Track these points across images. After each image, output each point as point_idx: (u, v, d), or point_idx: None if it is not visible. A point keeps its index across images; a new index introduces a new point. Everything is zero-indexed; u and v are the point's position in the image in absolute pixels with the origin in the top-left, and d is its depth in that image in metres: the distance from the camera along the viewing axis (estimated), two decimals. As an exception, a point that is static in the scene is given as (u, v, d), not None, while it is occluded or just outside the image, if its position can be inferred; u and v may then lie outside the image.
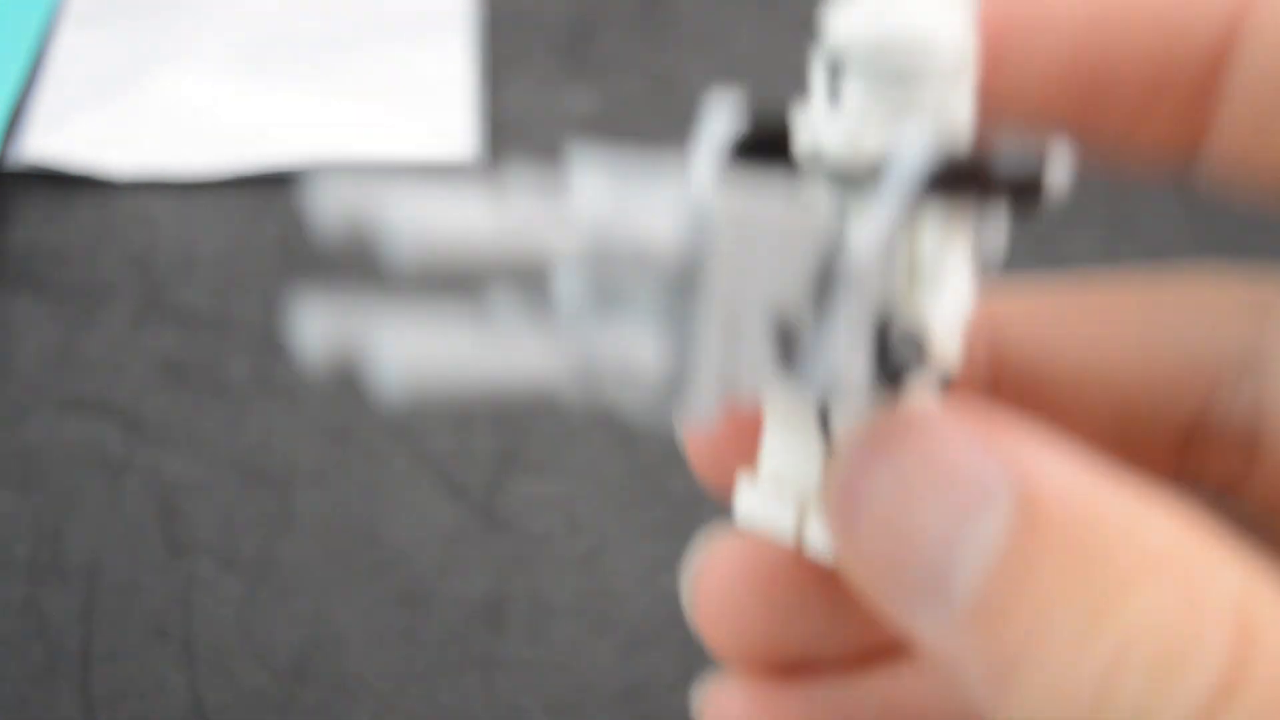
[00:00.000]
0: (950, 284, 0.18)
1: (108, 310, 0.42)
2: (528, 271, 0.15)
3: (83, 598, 0.34)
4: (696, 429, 0.21)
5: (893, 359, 0.17)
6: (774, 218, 0.16)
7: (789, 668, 0.21)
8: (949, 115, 0.18)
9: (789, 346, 0.17)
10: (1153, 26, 0.19)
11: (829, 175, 0.18)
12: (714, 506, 0.32)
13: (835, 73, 0.18)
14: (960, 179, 0.17)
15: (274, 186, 0.47)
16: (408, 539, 0.36)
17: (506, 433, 0.39)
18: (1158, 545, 0.15)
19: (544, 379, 0.14)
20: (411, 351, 0.13)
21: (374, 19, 0.53)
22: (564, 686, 0.33)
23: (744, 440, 0.20)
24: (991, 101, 0.19)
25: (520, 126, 0.50)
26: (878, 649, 0.21)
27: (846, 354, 0.17)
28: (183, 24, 0.52)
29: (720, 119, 0.18)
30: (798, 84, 0.54)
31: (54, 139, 0.47)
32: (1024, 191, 0.17)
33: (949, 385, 0.18)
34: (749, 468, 0.20)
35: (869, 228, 0.17)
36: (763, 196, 0.16)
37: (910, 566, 0.17)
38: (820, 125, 0.18)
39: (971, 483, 0.16)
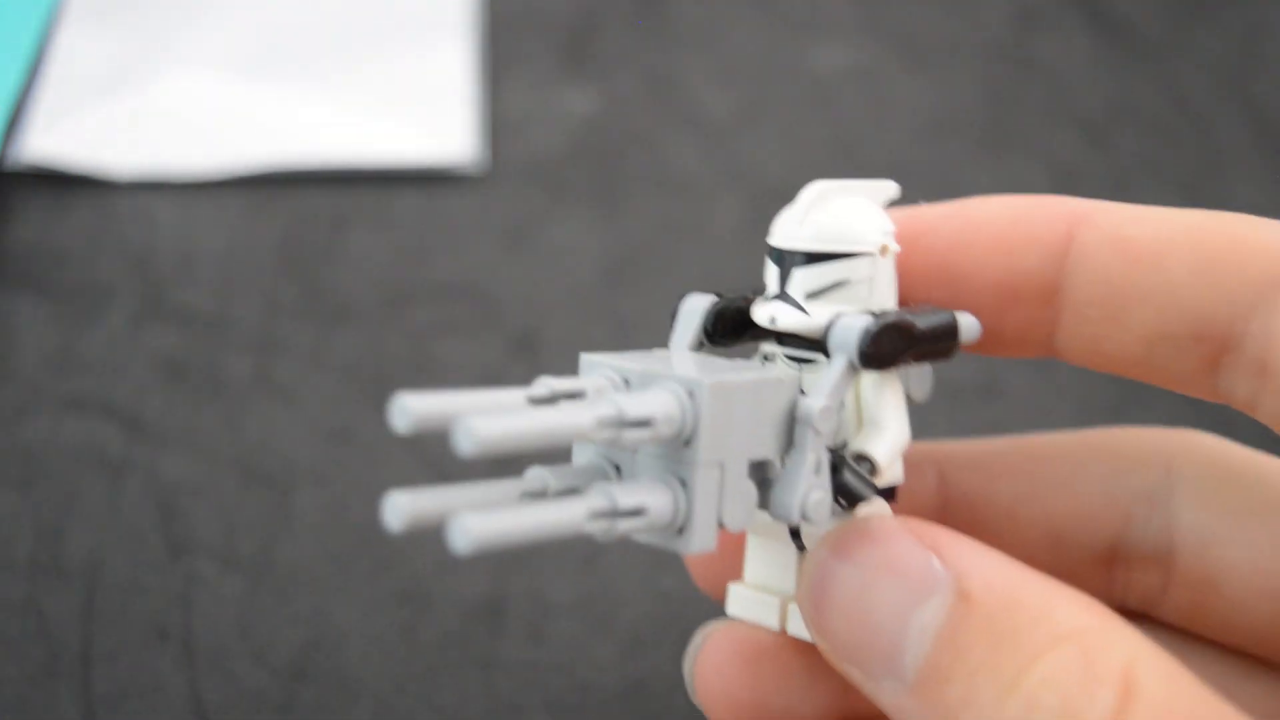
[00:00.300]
0: (889, 421, 0.23)
1: (108, 310, 0.42)
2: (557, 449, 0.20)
3: (83, 598, 0.34)
4: (699, 555, 0.26)
5: (848, 482, 0.22)
6: (747, 388, 0.21)
7: None
8: (877, 296, 0.23)
9: (765, 484, 0.22)
10: (996, 248, 0.25)
11: (786, 347, 0.24)
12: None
13: (784, 266, 0.23)
14: (887, 350, 0.22)
15: (274, 186, 0.47)
16: (408, 539, 0.36)
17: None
18: (1063, 623, 0.20)
19: (575, 529, 0.20)
20: (481, 526, 0.18)
21: (374, 19, 0.53)
22: (564, 686, 0.33)
23: (732, 555, 0.26)
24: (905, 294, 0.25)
25: (520, 126, 0.50)
26: (849, 714, 0.26)
27: (808, 487, 0.22)
28: (182, 24, 0.52)
29: (692, 316, 0.24)
30: (795, 84, 0.55)
31: (54, 139, 0.47)
32: (941, 344, 0.23)
33: (894, 501, 0.24)
34: (735, 579, 0.25)
35: (819, 391, 0.22)
36: (735, 373, 0.22)
37: (870, 646, 0.21)
38: (774, 309, 0.23)
39: (918, 577, 0.21)
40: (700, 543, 0.21)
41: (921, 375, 0.25)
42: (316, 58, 0.51)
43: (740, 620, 0.25)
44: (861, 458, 0.23)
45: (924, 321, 0.23)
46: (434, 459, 0.38)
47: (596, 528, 0.20)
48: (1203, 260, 0.23)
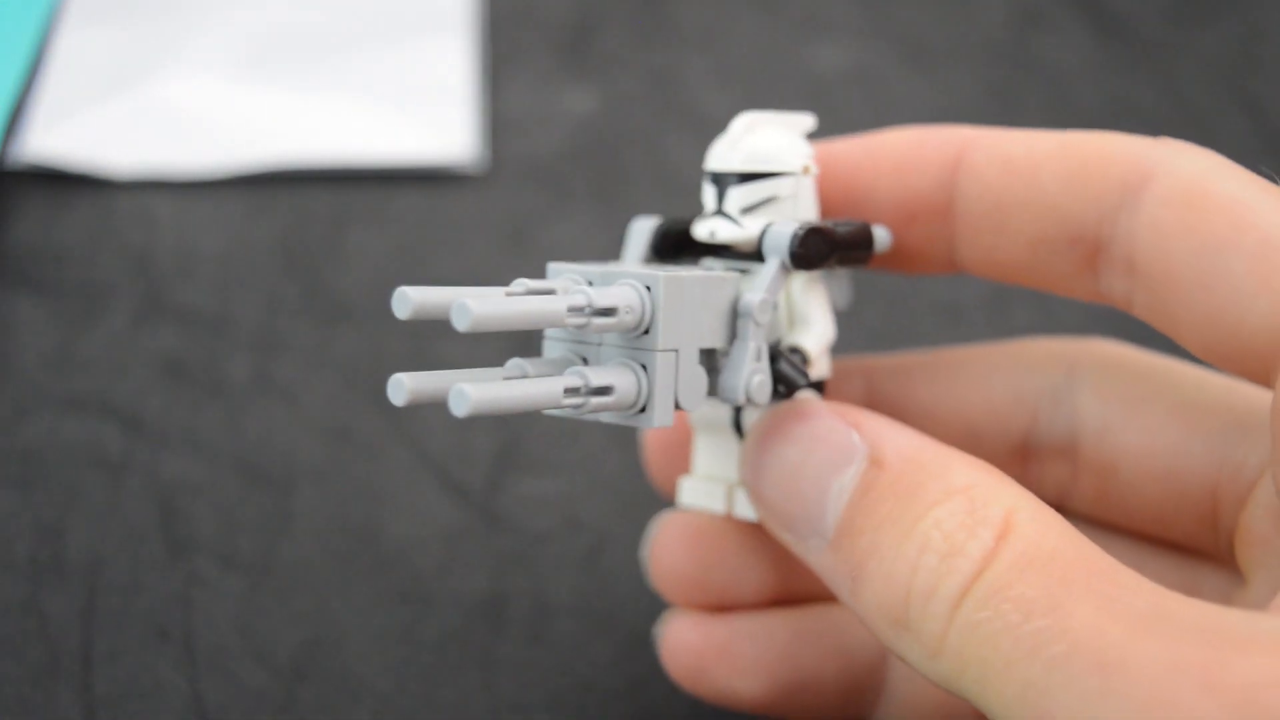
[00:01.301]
0: (816, 318, 0.27)
1: (108, 310, 0.42)
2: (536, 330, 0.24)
3: (83, 598, 0.34)
4: (658, 434, 0.31)
5: (784, 370, 0.26)
6: (696, 282, 0.25)
7: (720, 605, 0.30)
8: (801, 210, 0.27)
9: (713, 372, 0.25)
10: (893, 171, 0.27)
11: (725, 259, 0.27)
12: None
13: (720, 186, 0.27)
14: (813, 251, 0.26)
15: (274, 186, 0.47)
16: (408, 539, 0.36)
17: (506, 432, 0.39)
18: (956, 480, 0.23)
19: (554, 402, 0.23)
20: (477, 393, 0.21)
21: (374, 19, 0.53)
22: (564, 686, 0.33)
23: (681, 453, 0.30)
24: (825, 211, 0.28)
25: (520, 126, 0.50)
26: (788, 594, 0.30)
27: (750, 371, 0.25)
28: (182, 24, 0.52)
29: (640, 235, 0.28)
30: (795, 84, 0.55)
31: (54, 138, 0.47)
32: (859, 250, 0.27)
33: (823, 394, 0.27)
34: (684, 473, 0.29)
35: (756, 288, 0.25)
36: (685, 271, 0.25)
37: (799, 510, 0.25)
38: (713, 224, 0.27)
39: (840, 448, 0.25)
40: (660, 419, 0.24)
41: (841, 285, 0.28)
42: (316, 57, 0.51)
43: (690, 509, 0.29)
44: (794, 350, 0.26)
45: (843, 229, 0.26)
46: (434, 459, 0.38)
47: (571, 403, 0.23)
48: (1072, 170, 0.26)
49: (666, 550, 0.30)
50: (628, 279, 0.24)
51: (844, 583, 0.24)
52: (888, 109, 0.51)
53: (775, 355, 0.26)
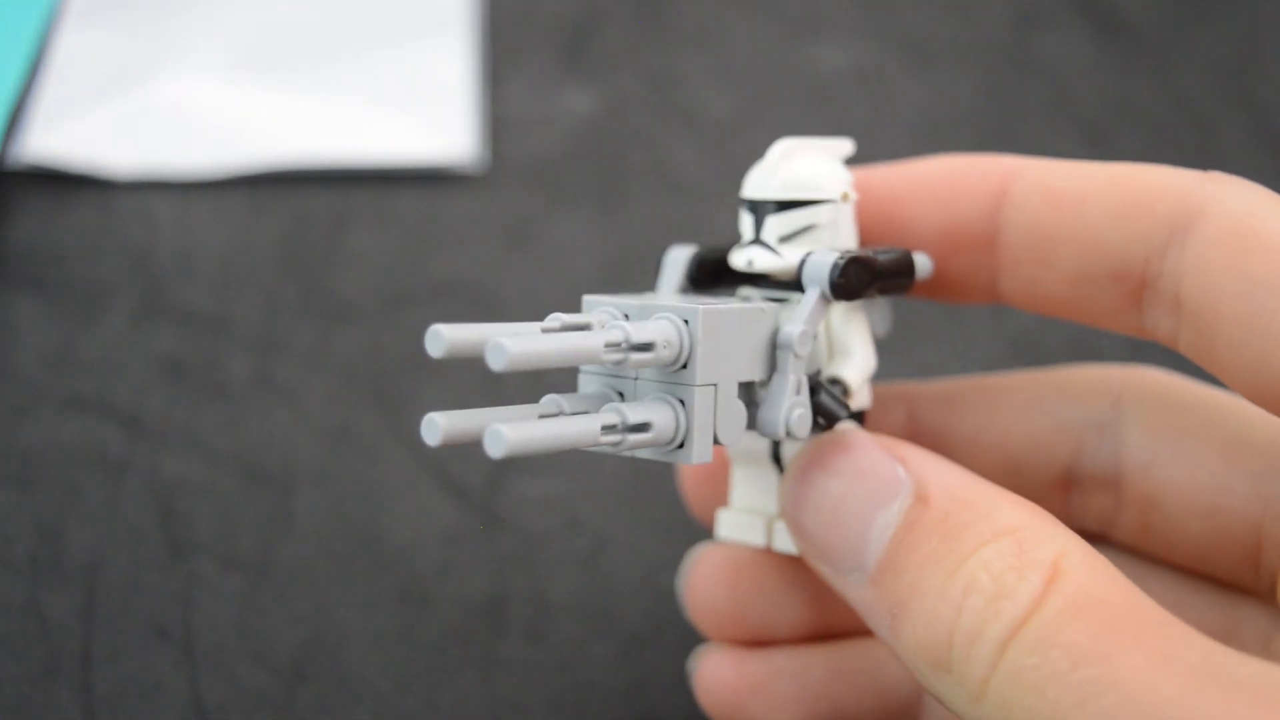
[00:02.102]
0: (856, 349, 0.26)
1: (108, 310, 0.42)
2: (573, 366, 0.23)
3: (83, 597, 0.34)
4: (697, 470, 0.30)
5: (825, 402, 0.25)
6: (735, 315, 0.24)
7: (756, 640, 0.29)
8: (841, 237, 0.26)
9: (752, 406, 0.25)
10: (936, 201, 0.27)
11: (761, 288, 0.27)
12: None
13: (757, 214, 0.26)
14: (854, 281, 0.25)
15: (274, 186, 0.47)
16: (408, 539, 0.36)
17: (506, 432, 0.39)
18: (1004, 520, 0.23)
19: (591, 440, 0.23)
20: (513, 433, 0.21)
21: (374, 19, 0.53)
22: (564, 686, 0.33)
23: (719, 484, 0.29)
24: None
25: (520, 126, 0.50)
26: (824, 630, 0.29)
27: (790, 405, 0.24)
28: (182, 24, 0.52)
29: (676, 263, 0.27)
30: (795, 84, 0.55)
31: (54, 139, 0.47)
32: (901, 278, 0.26)
33: (864, 425, 0.27)
34: (722, 505, 0.28)
35: (796, 320, 0.25)
36: (723, 304, 0.24)
37: (840, 544, 0.24)
38: (750, 253, 0.26)
39: (884, 482, 0.24)
40: (699, 455, 0.24)
41: (882, 313, 0.28)
42: (316, 57, 0.51)
43: (728, 542, 0.28)
44: (834, 381, 0.26)
45: (884, 257, 0.26)
46: (434, 459, 0.38)
47: (609, 441, 0.23)
48: (1118, 205, 0.25)
49: (704, 585, 0.29)
50: (665, 313, 0.24)
51: (883, 619, 0.23)
52: (888, 109, 0.51)
53: (815, 387, 0.25)
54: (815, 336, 0.25)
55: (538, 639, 0.34)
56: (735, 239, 0.27)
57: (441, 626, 0.34)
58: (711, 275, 0.27)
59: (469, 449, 0.38)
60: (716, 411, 0.24)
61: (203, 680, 0.33)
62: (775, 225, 0.26)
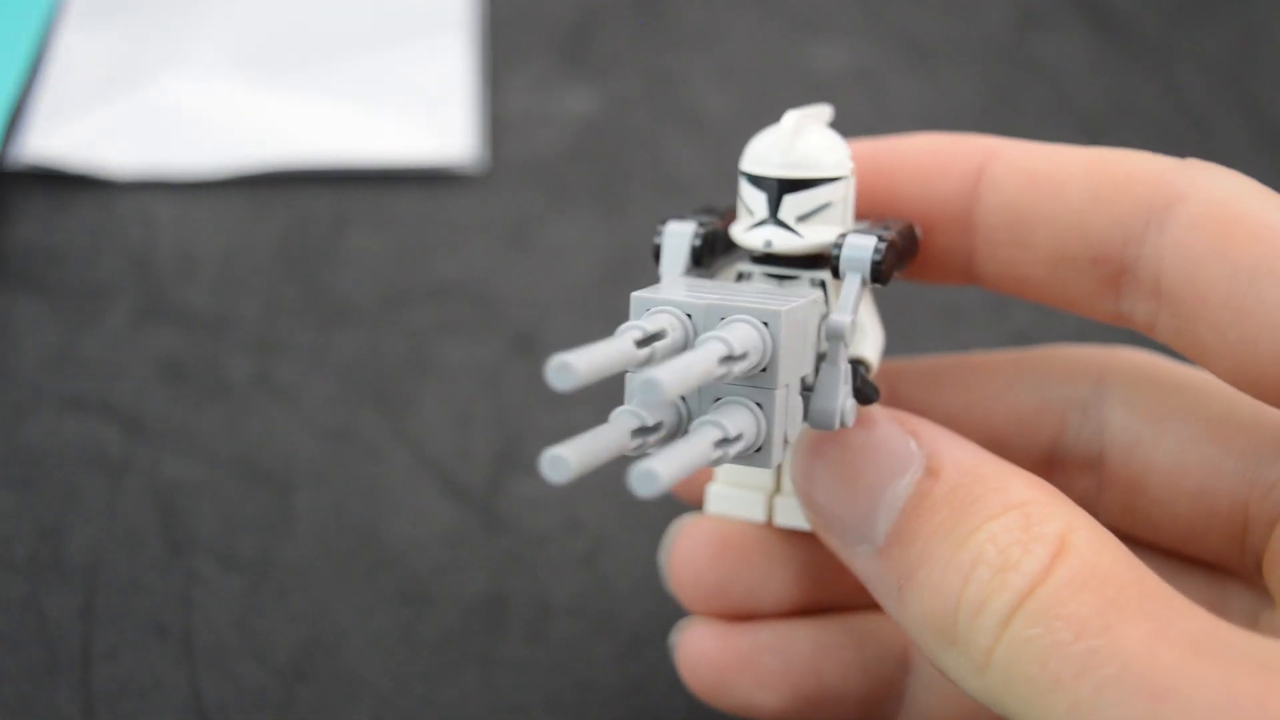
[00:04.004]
0: (870, 327, 0.26)
1: (108, 310, 0.42)
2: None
3: (83, 597, 0.34)
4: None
5: (861, 389, 0.25)
6: (802, 312, 0.23)
7: (740, 614, 0.29)
8: (849, 214, 0.26)
9: (803, 398, 0.24)
10: (915, 179, 0.27)
11: (765, 265, 0.26)
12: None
13: (772, 192, 0.25)
14: (892, 264, 0.25)
15: (274, 186, 0.47)
16: (408, 539, 0.36)
17: (506, 433, 0.39)
18: (1014, 495, 0.23)
19: (709, 459, 0.22)
20: (665, 469, 0.20)
21: (374, 19, 0.53)
22: (564, 686, 0.33)
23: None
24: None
25: (520, 126, 0.50)
26: (810, 604, 0.29)
27: (844, 395, 0.24)
28: (183, 24, 0.52)
29: (680, 242, 0.26)
30: (795, 84, 0.54)
31: (54, 139, 0.47)
32: (912, 253, 0.26)
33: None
34: (710, 481, 0.28)
35: (845, 306, 0.24)
36: (781, 299, 0.23)
37: (850, 515, 0.24)
38: (768, 234, 0.25)
39: (897, 455, 0.24)
40: (776, 457, 0.23)
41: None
42: (316, 57, 0.51)
43: (719, 516, 0.28)
44: (859, 362, 0.26)
45: (903, 237, 0.26)
46: (434, 459, 0.38)
47: (718, 455, 0.22)
48: (1097, 187, 0.25)
49: (688, 557, 0.29)
50: (741, 316, 0.23)
51: (890, 591, 0.23)
52: (888, 109, 0.51)
53: (854, 368, 0.25)
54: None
55: (538, 639, 0.34)
56: (699, 209, 0.27)
57: (441, 626, 0.34)
58: (711, 251, 0.26)
59: (471, 450, 0.38)
60: (788, 411, 0.24)
61: (202, 679, 0.33)
62: (793, 204, 0.25)
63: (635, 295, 0.24)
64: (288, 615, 0.34)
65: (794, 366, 0.23)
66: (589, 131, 0.50)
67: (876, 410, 0.25)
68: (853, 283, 0.25)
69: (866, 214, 0.27)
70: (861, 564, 0.24)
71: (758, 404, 0.23)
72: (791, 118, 0.25)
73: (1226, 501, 0.27)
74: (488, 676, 0.33)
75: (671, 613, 0.34)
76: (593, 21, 0.54)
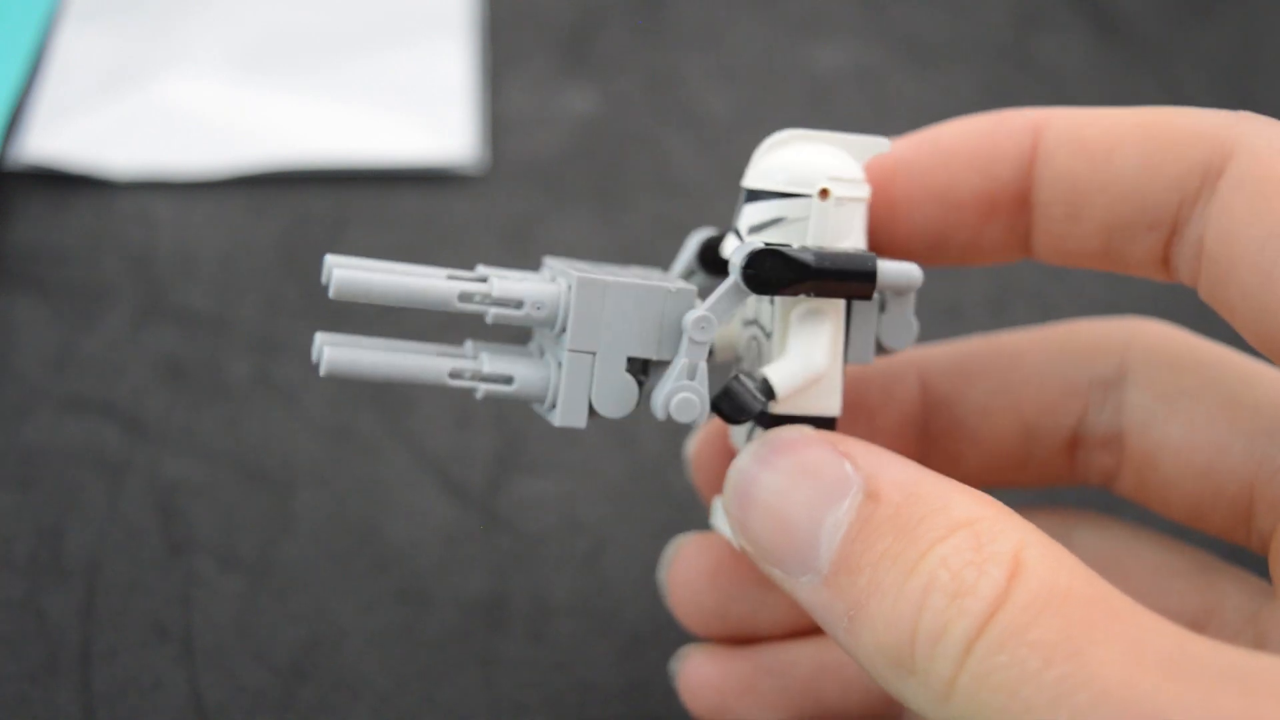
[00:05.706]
0: (795, 353, 0.25)
1: (108, 310, 0.42)
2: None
3: (82, 597, 0.34)
4: (704, 451, 0.30)
5: (734, 388, 0.24)
6: (621, 289, 0.24)
7: (740, 636, 0.29)
8: (822, 236, 0.25)
9: (644, 382, 0.25)
10: (971, 167, 0.26)
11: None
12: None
13: (740, 203, 0.25)
14: (769, 275, 0.24)
15: (274, 186, 0.47)
16: (408, 539, 0.36)
17: (506, 433, 0.39)
18: (958, 513, 0.22)
19: (438, 380, 0.24)
20: (339, 354, 0.23)
21: (374, 19, 0.53)
22: (564, 686, 0.33)
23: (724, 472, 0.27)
24: (884, 227, 0.27)
25: (520, 126, 0.50)
26: (809, 625, 0.29)
27: (675, 387, 0.24)
28: (183, 24, 0.52)
29: (693, 243, 0.27)
30: (795, 84, 0.55)
31: (54, 139, 0.47)
32: (850, 285, 0.24)
33: (834, 428, 0.25)
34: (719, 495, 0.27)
35: (706, 304, 0.24)
36: (625, 278, 0.24)
37: (789, 546, 0.23)
38: (728, 240, 0.26)
39: (832, 480, 0.23)
40: (564, 418, 0.24)
41: (901, 325, 0.26)
42: (316, 57, 0.51)
43: (712, 532, 0.28)
44: (761, 380, 0.25)
45: (825, 261, 0.24)
46: (434, 459, 0.38)
47: (459, 384, 0.24)
48: (1149, 152, 0.25)
49: (686, 580, 0.29)
50: (561, 277, 0.24)
51: (839, 621, 0.23)
52: (888, 109, 0.51)
53: (736, 377, 0.24)
54: (714, 324, 0.24)
55: (538, 639, 0.34)
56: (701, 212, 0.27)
57: (441, 626, 0.34)
58: (717, 259, 0.27)
59: (471, 450, 0.38)
60: (594, 381, 0.24)
61: (202, 679, 0.33)
62: (749, 214, 0.25)
63: (546, 259, 0.26)
64: (288, 615, 0.34)
65: (605, 339, 0.24)
66: (589, 131, 0.50)
67: (809, 433, 0.24)
68: (725, 284, 0.24)
69: (925, 211, 0.27)
70: (806, 595, 0.23)
71: (559, 364, 0.24)
72: (777, 135, 0.25)
73: (1234, 481, 0.26)
74: (488, 676, 0.33)
75: (671, 613, 0.34)
76: (592, 21, 0.54)
